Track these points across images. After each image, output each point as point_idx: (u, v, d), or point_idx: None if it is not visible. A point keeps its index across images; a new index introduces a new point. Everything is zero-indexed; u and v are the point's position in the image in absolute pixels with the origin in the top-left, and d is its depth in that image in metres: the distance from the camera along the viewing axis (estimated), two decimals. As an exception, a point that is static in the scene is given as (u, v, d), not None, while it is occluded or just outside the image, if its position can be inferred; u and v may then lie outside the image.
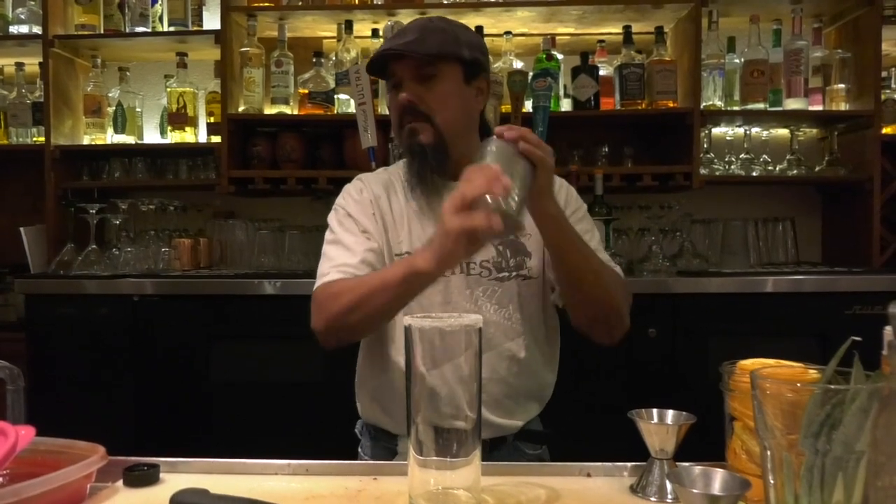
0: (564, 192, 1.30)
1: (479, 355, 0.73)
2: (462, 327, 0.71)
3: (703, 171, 2.46)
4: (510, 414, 1.23)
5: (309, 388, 2.12)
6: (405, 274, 1.00)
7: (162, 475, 0.81)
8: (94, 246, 2.40)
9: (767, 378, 0.64)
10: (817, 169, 2.59)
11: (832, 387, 0.60)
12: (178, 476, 0.81)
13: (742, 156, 2.59)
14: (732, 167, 2.59)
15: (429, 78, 1.19)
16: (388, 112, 2.18)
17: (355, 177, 1.34)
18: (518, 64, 2.50)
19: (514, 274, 1.23)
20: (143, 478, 0.78)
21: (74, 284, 2.26)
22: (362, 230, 1.23)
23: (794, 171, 2.55)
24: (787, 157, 2.59)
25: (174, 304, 2.21)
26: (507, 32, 2.55)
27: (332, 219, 1.28)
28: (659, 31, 2.50)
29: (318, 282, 1.18)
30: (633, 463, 0.81)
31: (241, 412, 2.16)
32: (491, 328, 1.20)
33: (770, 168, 2.58)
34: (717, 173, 2.55)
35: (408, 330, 0.72)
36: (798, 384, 0.63)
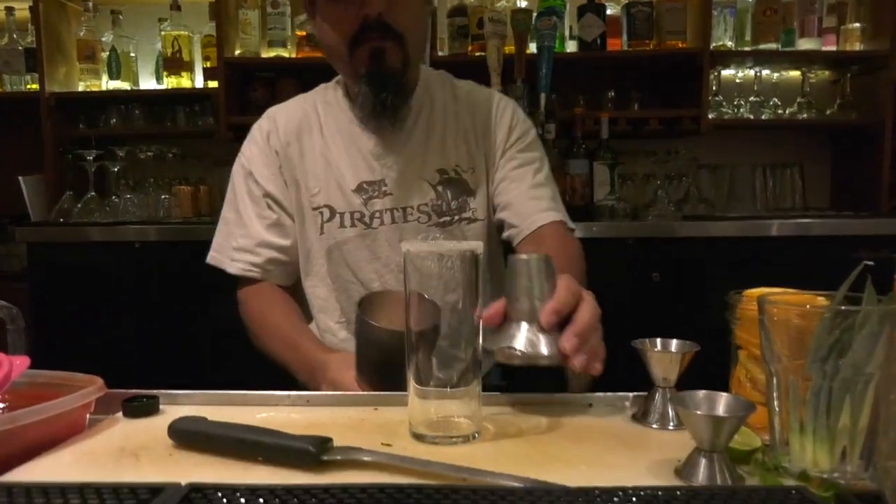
0: (509, 116, 1.16)
1: (477, 283, 0.71)
2: (459, 252, 0.69)
3: (711, 114, 2.41)
4: None
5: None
6: (301, 369, 1.03)
7: (162, 407, 0.81)
8: (92, 193, 2.38)
9: (776, 303, 0.62)
10: (828, 112, 2.53)
11: (843, 307, 0.58)
12: (178, 408, 0.81)
13: (752, 99, 2.53)
14: (741, 111, 2.53)
15: None
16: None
17: (266, 112, 1.18)
18: (522, 2, 2.42)
19: (456, 217, 1.11)
20: (142, 408, 0.78)
21: (76, 232, 2.25)
22: (264, 194, 1.12)
23: (805, 115, 2.50)
24: (798, 100, 2.53)
25: (176, 251, 2.20)
26: (512, -30, 2.46)
27: (235, 170, 1.16)
28: (668, -33, 2.42)
29: (215, 259, 1.17)
30: (636, 393, 0.80)
31: (242, 358, 2.16)
32: (433, 280, 1.09)
33: (780, 111, 2.53)
34: (726, 117, 2.49)
35: (405, 256, 0.70)
36: (808, 306, 0.61)
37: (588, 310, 0.72)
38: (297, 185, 1.12)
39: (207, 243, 2.18)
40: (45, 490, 0.49)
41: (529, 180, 1.12)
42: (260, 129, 1.15)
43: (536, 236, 1.08)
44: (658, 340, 0.76)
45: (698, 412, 0.57)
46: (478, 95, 1.18)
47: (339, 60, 1.06)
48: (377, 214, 1.10)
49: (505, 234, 1.13)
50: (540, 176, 1.13)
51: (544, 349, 0.70)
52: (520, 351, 0.70)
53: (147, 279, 2.21)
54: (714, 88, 2.49)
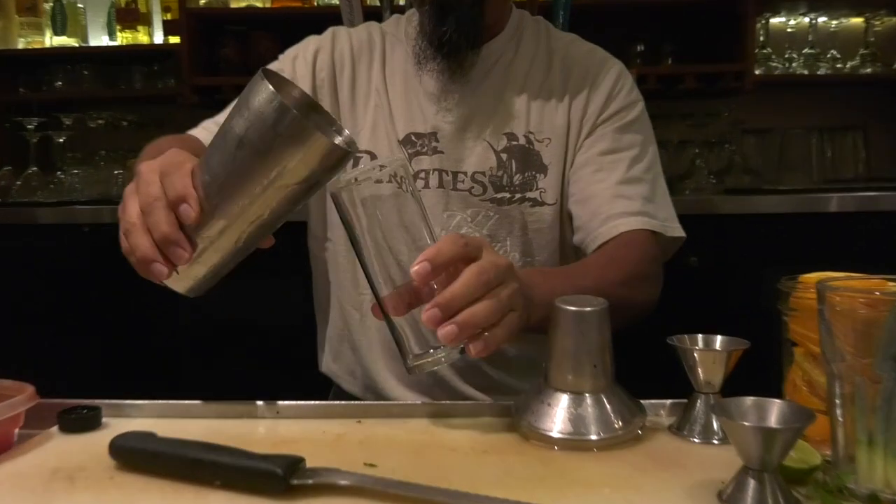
0: (611, 82, 1.07)
1: (423, 210, 0.71)
2: (386, 171, 0.68)
3: (757, 70, 2.38)
4: (489, 389, 1.04)
5: (283, 329, 2.11)
6: None
7: (105, 420, 0.78)
8: (34, 168, 2.37)
9: (838, 290, 0.60)
10: (896, 66, 2.51)
11: (923, 295, 0.55)
12: (124, 421, 0.78)
13: (805, 51, 2.51)
14: (793, 65, 2.51)
15: None
16: (378, 0, 2.12)
17: (330, 27, 1.14)
18: (535, -60, 2.37)
19: (518, 196, 1.03)
20: (80, 422, 0.76)
21: (15, 213, 2.26)
22: None
23: (868, 69, 2.48)
24: (860, 51, 2.50)
25: (132, 236, 2.18)
26: None
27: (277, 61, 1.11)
28: None
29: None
30: (673, 400, 0.78)
31: (210, 354, 2.17)
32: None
33: (839, 66, 2.50)
34: (776, 73, 2.47)
35: (335, 199, 0.70)
36: (877, 293, 0.58)
37: (471, 273, 0.66)
38: (337, 116, 1.07)
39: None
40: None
41: (621, 172, 1.01)
42: (316, 40, 1.11)
43: (610, 245, 0.99)
44: (699, 337, 0.73)
45: (745, 423, 0.55)
46: (577, 51, 1.10)
47: None
48: (422, 175, 1.05)
49: (576, 237, 1.04)
50: (637, 168, 1.02)
51: (593, 431, 0.68)
52: (560, 436, 0.69)
53: (98, 268, 2.19)
54: (761, 39, 2.47)
